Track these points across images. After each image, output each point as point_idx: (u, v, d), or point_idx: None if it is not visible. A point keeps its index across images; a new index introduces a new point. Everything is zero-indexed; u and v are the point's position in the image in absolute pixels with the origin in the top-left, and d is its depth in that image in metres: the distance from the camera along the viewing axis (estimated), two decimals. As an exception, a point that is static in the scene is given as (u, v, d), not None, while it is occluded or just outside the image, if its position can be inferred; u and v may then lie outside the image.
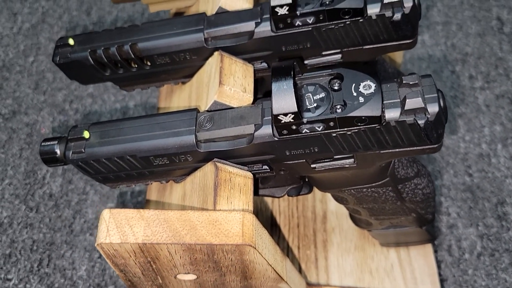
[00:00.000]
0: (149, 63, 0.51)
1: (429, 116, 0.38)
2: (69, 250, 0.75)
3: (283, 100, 0.38)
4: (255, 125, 0.42)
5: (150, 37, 0.50)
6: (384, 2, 0.44)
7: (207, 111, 0.45)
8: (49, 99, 0.90)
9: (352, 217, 0.59)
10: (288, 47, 0.48)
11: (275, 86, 0.39)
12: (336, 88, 0.40)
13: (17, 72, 0.94)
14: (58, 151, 0.46)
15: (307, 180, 0.50)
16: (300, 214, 0.67)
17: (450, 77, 0.89)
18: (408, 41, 0.47)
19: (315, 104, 0.40)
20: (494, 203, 0.75)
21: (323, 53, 0.49)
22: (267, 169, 0.45)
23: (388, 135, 0.40)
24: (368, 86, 0.39)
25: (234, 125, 0.43)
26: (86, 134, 0.45)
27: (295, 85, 0.40)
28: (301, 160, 0.44)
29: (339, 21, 0.45)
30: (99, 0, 1.02)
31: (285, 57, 0.49)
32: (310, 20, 0.45)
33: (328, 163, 0.44)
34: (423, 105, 0.38)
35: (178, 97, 0.54)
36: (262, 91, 0.55)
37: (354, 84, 0.39)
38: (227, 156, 0.43)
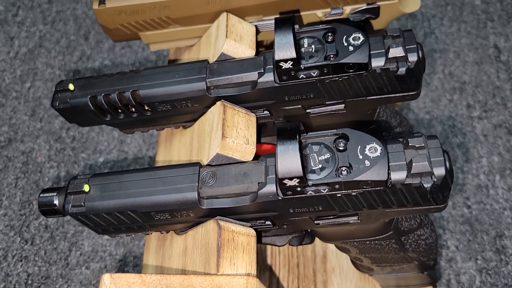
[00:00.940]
0: (150, 109, 0.51)
1: (435, 180, 0.38)
2: (64, 284, 0.74)
3: (289, 164, 0.38)
4: (258, 183, 0.41)
5: (152, 84, 0.49)
6: (388, 56, 0.44)
7: (209, 165, 0.45)
8: (46, 126, 0.89)
9: (353, 262, 0.59)
10: (291, 97, 0.48)
11: (280, 149, 0.39)
12: (341, 148, 0.40)
13: (13, 98, 0.93)
14: (57, 203, 0.45)
15: (309, 230, 0.50)
16: (300, 253, 0.66)
17: (448, 105, 0.89)
18: (412, 93, 0.47)
19: (320, 166, 0.39)
20: (493, 236, 0.75)
21: (326, 102, 0.48)
22: (269, 224, 0.44)
23: (394, 196, 0.40)
24: (374, 149, 0.39)
25: (238, 182, 0.42)
26: (86, 188, 0.44)
27: (299, 144, 0.39)
28: (305, 217, 0.43)
29: (343, 75, 0.45)
30: (97, 24, 1.01)
31: (288, 105, 0.49)
32: (314, 73, 0.45)
33: (332, 220, 0.44)
34: (429, 169, 0.38)
35: (179, 141, 0.53)
36: (263, 134, 0.54)
37: (359, 146, 0.39)
38: (230, 213, 0.43)
